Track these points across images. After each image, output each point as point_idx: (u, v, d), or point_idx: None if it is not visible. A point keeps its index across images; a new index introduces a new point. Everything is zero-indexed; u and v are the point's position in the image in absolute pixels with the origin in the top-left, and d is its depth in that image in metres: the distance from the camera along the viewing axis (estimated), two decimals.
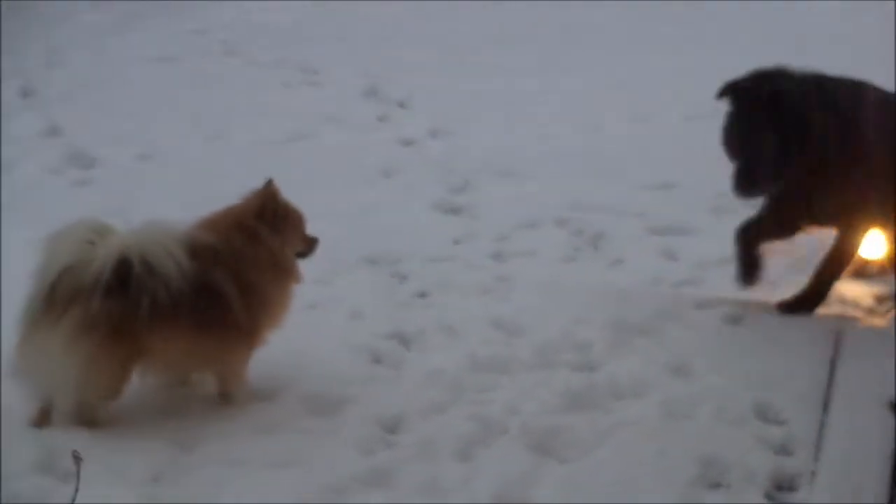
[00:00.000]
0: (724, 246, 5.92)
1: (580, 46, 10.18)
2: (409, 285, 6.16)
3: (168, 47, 10.11)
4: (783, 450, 4.83)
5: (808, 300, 5.89)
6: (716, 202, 6.68)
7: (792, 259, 6.27)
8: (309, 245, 5.19)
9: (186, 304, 4.64)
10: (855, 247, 5.93)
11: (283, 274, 5.03)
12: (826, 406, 5.06)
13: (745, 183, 5.63)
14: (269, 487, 4.41)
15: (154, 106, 9.04)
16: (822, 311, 5.92)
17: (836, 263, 5.93)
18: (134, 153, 8.18)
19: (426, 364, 5.25)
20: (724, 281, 5.97)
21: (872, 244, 6.14)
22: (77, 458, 3.69)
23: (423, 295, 6.04)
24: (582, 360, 5.37)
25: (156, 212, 6.29)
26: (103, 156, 8.18)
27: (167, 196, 7.13)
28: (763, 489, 4.61)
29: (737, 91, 5.66)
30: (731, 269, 5.94)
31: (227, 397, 4.95)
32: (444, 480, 4.54)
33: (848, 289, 6.15)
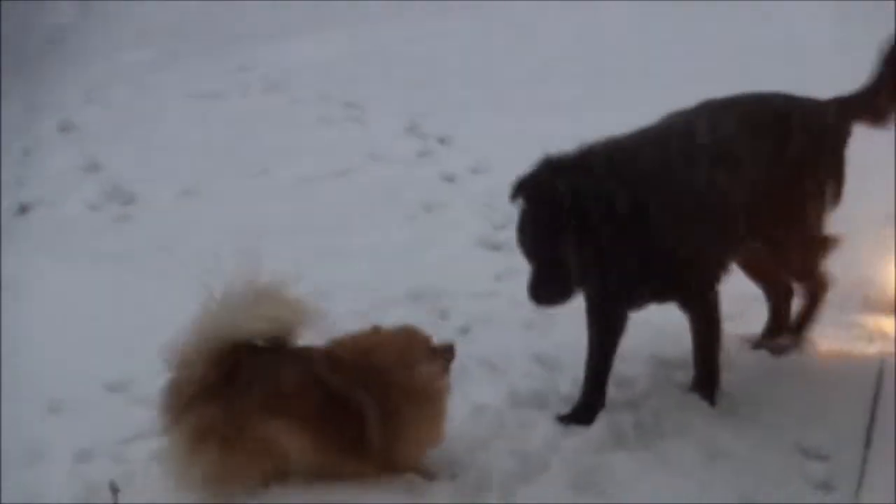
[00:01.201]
0: None
1: (621, 83, 10.20)
2: (451, 321, 6.25)
3: (209, 84, 10.22)
4: (825, 486, 4.92)
5: (709, 381, 5.50)
6: None
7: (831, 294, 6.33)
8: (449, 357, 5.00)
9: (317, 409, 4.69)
10: (711, 311, 5.47)
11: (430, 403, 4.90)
12: (868, 441, 5.10)
13: (541, 294, 5.20)
14: None
15: (195, 143, 9.16)
16: (862, 347, 5.94)
17: (708, 336, 5.49)
18: (175, 190, 8.31)
19: (468, 399, 5.37)
20: (762, 315, 6.03)
21: None
22: (114, 490, 3.73)
23: (465, 331, 6.13)
24: (624, 397, 5.45)
25: (200, 249, 6.50)
26: (143, 192, 8.32)
27: (210, 232, 7.28)
28: None
29: (525, 190, 5.18)
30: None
31: None
32: None
33: (887, 324, 6.18)
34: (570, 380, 5.51)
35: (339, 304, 6.40)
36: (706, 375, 5.47)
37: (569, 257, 5.05)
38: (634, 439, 5.12)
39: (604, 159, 5.16)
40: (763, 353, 5.84)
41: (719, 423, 5.26)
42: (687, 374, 5.55)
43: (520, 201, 5.18)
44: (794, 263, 5.80)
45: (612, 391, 5.42)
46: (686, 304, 5.43)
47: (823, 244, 5.72)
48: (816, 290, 5.87)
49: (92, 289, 6.54)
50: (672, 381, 5.58)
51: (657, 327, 5.67)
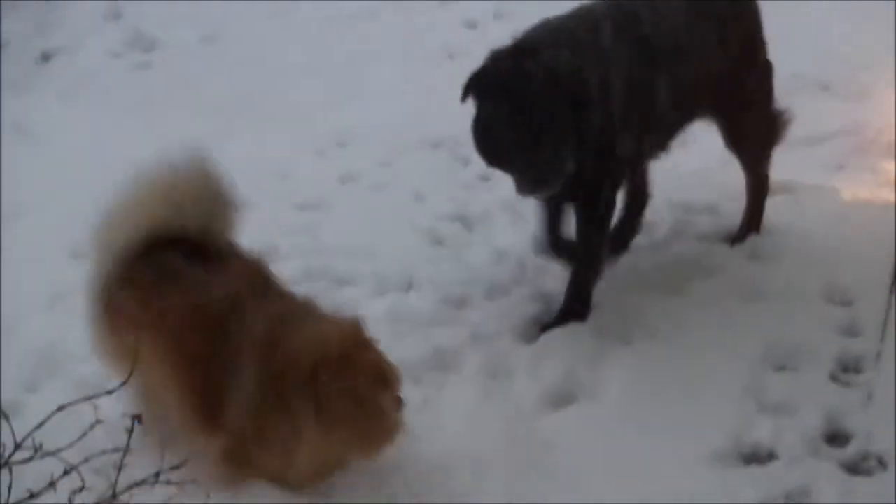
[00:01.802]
0: (793, 129, 5.73)
1: None
2: (471, 168, 6.03)
3: None
4: (849, 331, 4.80)
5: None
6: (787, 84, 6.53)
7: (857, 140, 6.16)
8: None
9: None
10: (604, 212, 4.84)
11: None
12: (892, 287, 4.94)
13: (532, 186, 4.53)
14: None
15: None
16: (886, 194, 5.73)
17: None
18: (196, 35, 8.09)
19: (490, 245, 5.20)
20: (793, 164, 5.80)
21: None
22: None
23: (485, 178, 5.92)
24: (648, 241, 5.31)
25: (221, 92, 6.30)
26: (164, 39, 8.11)
27: (230, 75, 7.08)
28: (828, 370, 4.60)
29: (489, 81, 4.52)
30: (801, 152, 5.79)
31: None
32: (509, 361, 4.54)
33: None
34: None
35: (358, 150, 6.29)
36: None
37: (554, 140, 4.44)
38: (660, 283, 4.98)
39: (559, 39, 4.60)
40: (787, 200, 5.62)
41: (744, 269, 5.12)
42: (711, 221, 5.42)
43: (478, 98, 4.54)
44: (750, 143, 5.35)
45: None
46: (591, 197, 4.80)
47: (779, 118, 5.34)
48: (761, 185, 5.43)
49: (113, 135, 6.38)
50: (697, 227, 5.42)
51: (687, 173, 5.47)
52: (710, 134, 6.27)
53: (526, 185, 4.50)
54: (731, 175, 5.49)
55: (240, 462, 3.84)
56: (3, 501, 3.16)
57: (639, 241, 5.26)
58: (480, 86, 4.51)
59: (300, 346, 3.69)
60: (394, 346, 4.38)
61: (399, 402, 3.78)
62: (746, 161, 5.36)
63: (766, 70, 5.25)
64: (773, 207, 5.53)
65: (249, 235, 5.28)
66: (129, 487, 3.25)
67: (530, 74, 4.41)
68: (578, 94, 4.45)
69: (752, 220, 5.39)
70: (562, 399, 4.43)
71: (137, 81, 7.55)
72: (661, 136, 5.04)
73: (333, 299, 5.02)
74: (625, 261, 5.07)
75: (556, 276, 5.01)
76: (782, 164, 5.55)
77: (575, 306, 4.83)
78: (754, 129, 5.29)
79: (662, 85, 4.80)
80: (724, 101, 5.12)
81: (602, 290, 4.87)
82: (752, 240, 5.33)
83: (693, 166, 5.83)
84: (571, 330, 4.69)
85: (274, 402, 3.72)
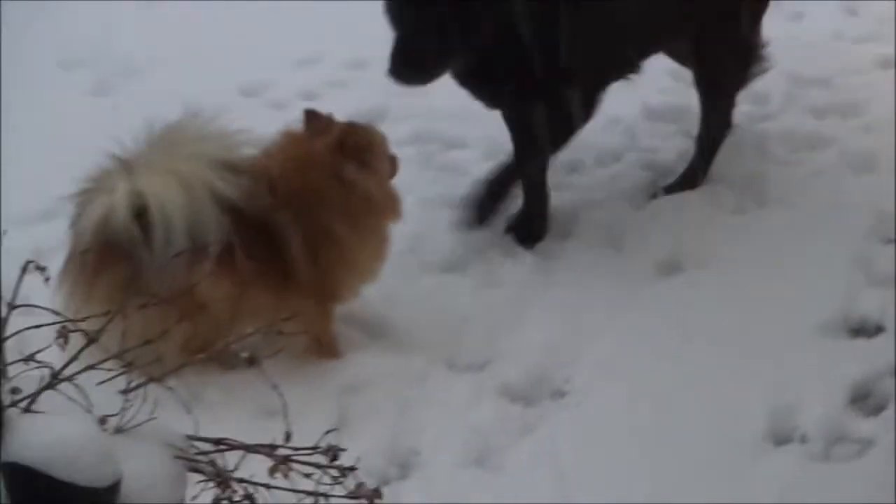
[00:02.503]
0: None
1: None
2: None
3: None
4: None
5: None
6: None
7: None
8: (393, 167, 3.93)
9: (234, 251, 3.59)
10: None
11: (378, 215, 3.85)
12: None
13: (403, 65, 4.03)
14: None
15: None
16: None
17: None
18: None
19: (601, 112, 4.99)
20: None
21: None
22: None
23: None
24: (757, 111, 5.08)
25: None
26: None
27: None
28: None
29: None
30: None
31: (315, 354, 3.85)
32: (619, 227, 4.42)
33: None
34: None
35: None
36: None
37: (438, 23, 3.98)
38: (772, 152, 4.82)
39: None
40: None
41: (857, 141, 4.91)
42: (826, 93, 5.18)
43: None
44: (720, 74, 4.66)
45: (746, 106, 4.96)
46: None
47: (754, 52, 4.67)
48: (724, 125, 4.75)
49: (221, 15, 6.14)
50: (808, 98, 5.17)
51: (799, 44, 5.22)
52: (823, 8, 5.96)
53: (397, 63, 4.02)
54: (844, 48, 5.23)
55: (326, 296, 3.82)
56: None
57: (746, 109, 4.99)
58: None
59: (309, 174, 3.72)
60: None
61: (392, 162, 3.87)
62: (707, 98, 4.69)
63: None
64: (883, 81, 5.28)
65: (361, 95, 5.12)
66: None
67: None
68: None
69: (696, 172, 4.67)
70: (669, 266, 4.28)
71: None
72: (617, 56, 4.41)
73: (444, 161, 4.88)
74: (739, 132, 4.82)
75: (667, 144, 4.84)
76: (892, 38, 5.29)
77: (527, 219, 4.48)
78: (722, 58, 4.60)
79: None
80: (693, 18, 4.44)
81: (717, 160, 4.69)
82: (867, 112, 5.05)
83: (806, 39, 5.54)
84: (683, 198, 4.53)
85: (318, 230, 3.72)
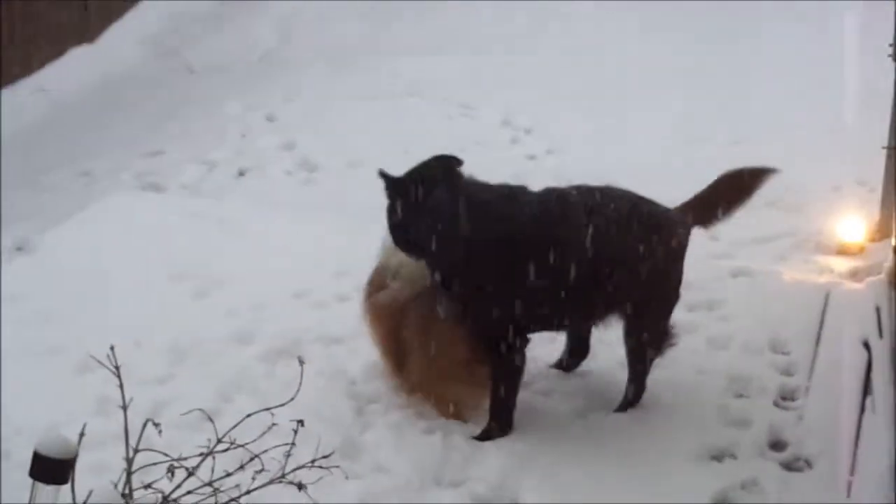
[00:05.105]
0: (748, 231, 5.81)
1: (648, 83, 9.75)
2: None
3: (369, 89, 10.10)
4: (787, 372, 4.90)
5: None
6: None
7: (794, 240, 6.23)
8: None
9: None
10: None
11: None
12: (818, 341, 5.07)
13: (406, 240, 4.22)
14: None
15: (359, 129, 9.05)
16: (815, 277, 5.80)
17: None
18: (345, 162, 8.29)
19: None
20: (748, 256, 5.93)
21: (850, 229, 6.01)
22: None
23: None
24: None
25: (363, 204, 6.37)
26: (323, 163, 8.36)
27: (370, 193, 7.17)
28: (773, 398, 4.71)
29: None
30: (754, 248, 5.92)
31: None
32: None
33: (835, 263, 6.07)
34: None
35: None
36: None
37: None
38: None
39: (497, 190, 4.38)
40: (748, 281, 5.64)
41: (717, 328, 5.18)
42: (696, 296, 5.24)
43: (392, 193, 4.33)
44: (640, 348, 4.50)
45: None
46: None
47: (664, 337, 4.54)
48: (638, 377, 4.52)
49: (288, 231, 6.47)
50: (683, 298, 5.03)
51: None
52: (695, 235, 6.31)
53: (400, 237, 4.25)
54: (709, 262, 5.62)
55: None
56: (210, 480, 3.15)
57: None
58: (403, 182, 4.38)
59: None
60: None
61: None
62: (633, 360, 4.51)
63: (672, 297, 4.46)
64: (735, 285, 5.57)
65: None
66: (294, 469, 3.26)
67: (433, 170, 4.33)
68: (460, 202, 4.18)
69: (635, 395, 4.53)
70: None
71: (305, 192, 7.84)
72: (541, 312, 4.22)
73: None
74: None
75: None
76: (741, 256, 5.68)
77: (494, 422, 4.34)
78: (648, 338, 4.46)
79: (564, 269, 4.07)
80: (626, 304, 4.35)
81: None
82: (719, 303, 5.31)
83: None
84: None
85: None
